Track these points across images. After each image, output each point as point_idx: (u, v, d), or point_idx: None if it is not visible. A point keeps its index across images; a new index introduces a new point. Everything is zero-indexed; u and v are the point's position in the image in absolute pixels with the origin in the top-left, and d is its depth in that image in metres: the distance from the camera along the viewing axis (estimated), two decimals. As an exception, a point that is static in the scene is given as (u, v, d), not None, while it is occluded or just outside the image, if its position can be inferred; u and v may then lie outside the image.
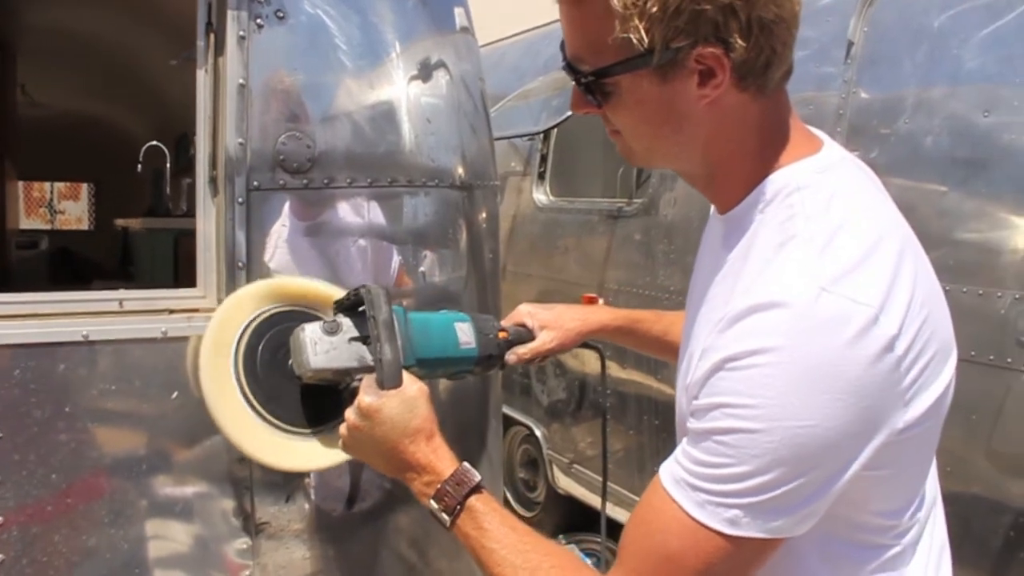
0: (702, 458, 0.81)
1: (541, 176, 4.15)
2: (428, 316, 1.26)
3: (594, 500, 3.58)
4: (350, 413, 1.08)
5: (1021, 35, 2.15)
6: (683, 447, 0.84)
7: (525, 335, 1.35)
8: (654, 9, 0.80)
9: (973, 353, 2.08)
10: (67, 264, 5.87)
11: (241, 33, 1.57)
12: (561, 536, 3.84)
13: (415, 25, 1.83)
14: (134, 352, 1.52)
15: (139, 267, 4.96)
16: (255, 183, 1.58)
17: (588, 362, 3.67)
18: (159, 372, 1.53)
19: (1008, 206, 2.13)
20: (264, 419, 1.25)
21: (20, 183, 6.35)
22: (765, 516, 0.79)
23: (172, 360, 1.52)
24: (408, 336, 1.16)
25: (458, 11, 1.95)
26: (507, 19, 4.78)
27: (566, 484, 3.90)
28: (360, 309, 1.17)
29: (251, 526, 1.61)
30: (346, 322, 1.18)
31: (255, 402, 1.26)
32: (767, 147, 0.89)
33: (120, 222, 5.40)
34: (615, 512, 3.20)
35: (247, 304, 1.34)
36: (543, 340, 1.35)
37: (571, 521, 3.98)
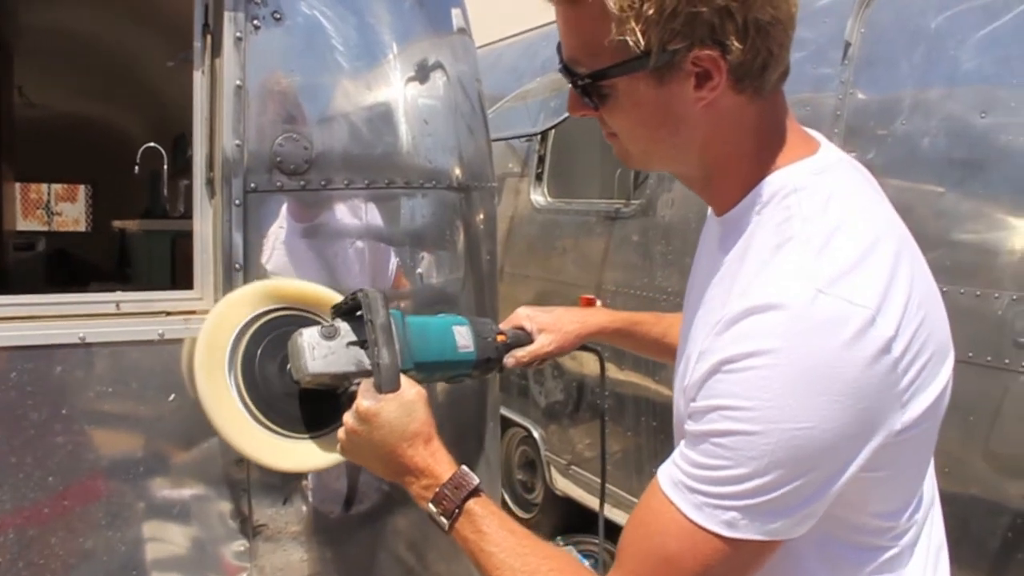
0: (700, 460, 0.81)
1: (539, 177, 4.15)
2: (426, 320, 1.26)
3: (592, 502, 3.58)
4: (348, 417, 1.08)
5: (1018, 36, 2.15)
6: (681, 449, 0.84)
7: (523, 338, 1.35)
8: (650, 11, 0.80)
9: (970, 354, 2.08)
10: (64, 266, 5.87)
11: (238, 34, 1.57)
12: (559, 538, 3.84)
13: (412, 26, 1.83)
14: (131, 354, 1.52)
15: (136, 269, 4.97)
16: (252, 185, 1.58)
17: (586, 363, 3.67)
18: (156, 374, 1.53)
19: (1005, 207, 2.13)
20: (261, 424, 1.25)
21: (17, 184, 6.35)
22: (763, 518, 0.80)
23: (169, 362, 1.52)
24: (406, 340, 1.16)
25: (455, 12, 1.94)
26: (505, 19, 4.77)
27: (564, 486, 3.90)
28: (358, 313, 1.17)
29: (248, 528, 1.61)
30: (344, 326, 1.18)
31: (253, 407, 1.26)
32: (764, 149, 0.89)
33: (117, 224, 5.41)
34: (613, 514, 3.20)
35: (242, 305, 1.34)
36: (541, 343, 1.35)
37: (569, 523, 3.97)
